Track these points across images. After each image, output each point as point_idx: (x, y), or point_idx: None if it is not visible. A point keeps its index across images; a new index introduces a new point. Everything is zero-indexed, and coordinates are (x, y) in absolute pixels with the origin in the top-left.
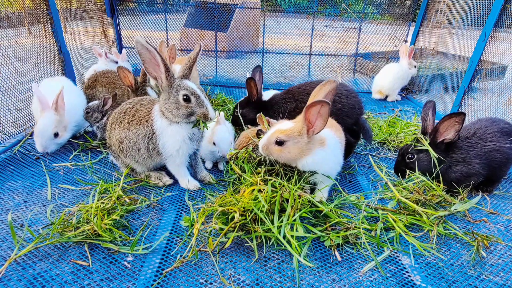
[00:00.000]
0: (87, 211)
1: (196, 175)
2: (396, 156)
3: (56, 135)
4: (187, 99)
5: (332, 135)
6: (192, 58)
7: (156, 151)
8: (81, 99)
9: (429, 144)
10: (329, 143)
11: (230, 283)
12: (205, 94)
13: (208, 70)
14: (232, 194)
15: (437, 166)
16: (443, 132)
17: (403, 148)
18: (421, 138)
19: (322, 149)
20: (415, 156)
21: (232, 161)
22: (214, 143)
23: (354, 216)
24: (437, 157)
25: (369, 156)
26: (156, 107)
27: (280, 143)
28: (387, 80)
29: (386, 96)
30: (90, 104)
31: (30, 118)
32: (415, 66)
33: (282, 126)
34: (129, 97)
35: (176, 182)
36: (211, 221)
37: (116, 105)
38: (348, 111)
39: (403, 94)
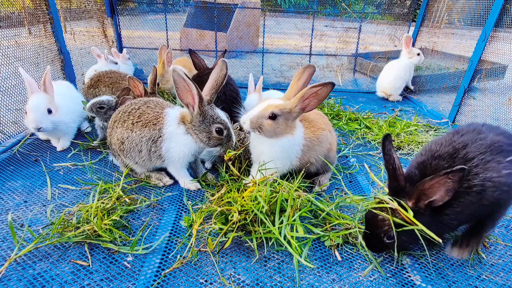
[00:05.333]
0: (87, 211)
1: (196, 176)
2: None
3: (49, 111)
4: (219, 132)
5: (302, 132)
6: (220, 81)
7: (157, 154)
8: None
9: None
10: (297, 136)
11: (230, 283)
12: (230, 121)
13: None
14: (228, 193)
15: (436, 238)
16: (430, 193)
17: (374, 219)
18: (403, 212)
19: (289, 137)
20: (394, 236)
21: (230, 162)
22: None
23: (353, 216)
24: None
25: (365, 163)
26: (171, 112)
27: (273, 117)
28: (387, 80)
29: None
30: (104, 99)
31: None
32: (418, 54)
33: (273, 102)
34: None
35: (176, 182)
36: (211, 221)
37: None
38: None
39: (405, 94)
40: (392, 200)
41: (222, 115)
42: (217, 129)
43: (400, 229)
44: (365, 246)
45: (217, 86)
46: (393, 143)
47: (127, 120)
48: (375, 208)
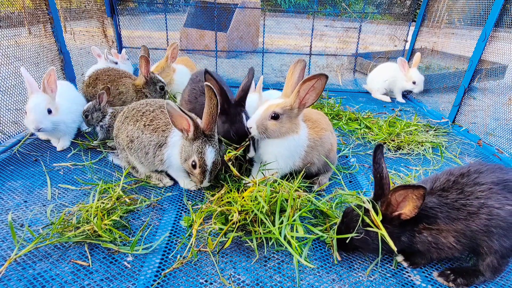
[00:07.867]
0: (87, 211)
1: None
2: (395, 156)
3: (49, 111)
4: (193, 166)
5: (306, 132)
6: (215, 111)
7: (159, 158)
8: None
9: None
10: (301, 135)
11: (230, 283)
12: (218, 166)
13: None
14: (228, 193)
15: (393, 246)
16: (397, 205)
17: (347, 214)
18: (372, 213)
19: (294, 136)
20: (363, 233)
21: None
22: None
23: None
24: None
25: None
26: None
27: (275, 117)
28: (372, 77)
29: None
30: (85, 107)
31: None
32: (414, 83)
33: (272, 102)
34: (136, 92)
35: (176, 182)
36: (211, 221)
37: (112, 99)
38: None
39: (404, 94)
40: (369, 202)
41: (209, 156)
42: (193, 162)
43: (366, 228)
44: (336, 233)
45: (215, 117)
46: (383, 154)
47: (139, 120)
48: (355, 205)
